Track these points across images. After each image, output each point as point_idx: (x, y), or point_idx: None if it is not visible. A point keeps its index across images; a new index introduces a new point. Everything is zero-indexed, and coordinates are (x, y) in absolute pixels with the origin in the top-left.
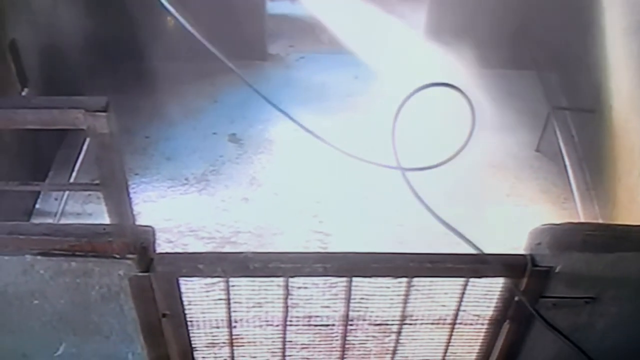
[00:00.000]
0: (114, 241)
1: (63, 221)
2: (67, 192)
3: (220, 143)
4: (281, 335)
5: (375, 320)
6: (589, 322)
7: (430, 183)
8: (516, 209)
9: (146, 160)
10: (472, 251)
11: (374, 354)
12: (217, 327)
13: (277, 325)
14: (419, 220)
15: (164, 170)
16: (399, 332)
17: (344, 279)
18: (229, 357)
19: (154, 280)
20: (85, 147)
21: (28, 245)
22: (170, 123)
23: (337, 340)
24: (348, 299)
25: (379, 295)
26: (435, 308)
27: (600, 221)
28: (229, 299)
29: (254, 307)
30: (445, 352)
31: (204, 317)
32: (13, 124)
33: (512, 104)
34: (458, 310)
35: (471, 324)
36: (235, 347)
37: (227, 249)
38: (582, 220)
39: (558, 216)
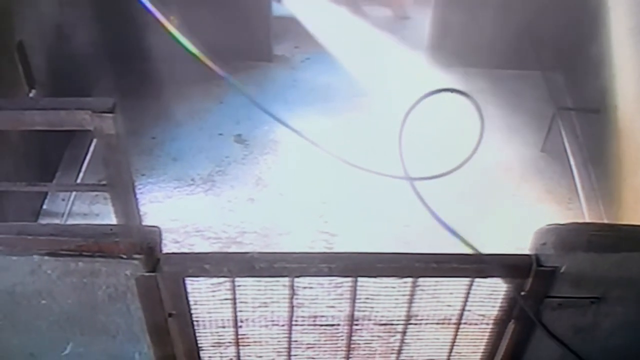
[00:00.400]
0: (121, 241)
1: (70, 222)
2: (74, 193)
3: (226, 144)
4: (287, 335)
5: (381, 320)
6: (595, 322)
7: (436, 184)
8: (521, 209)
9: (152, 161)
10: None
11: (379, 354)
12: (223, 327)
13: (283, 325)
14: (424, 220)
15: (170, 171)
16: (404, 332)
17: (350, 279)
18: (234, 356)
19: (161, 280)
20: (92, 148)
21: (36, 246)
22: (177, 124)
23: (342, 340)
24: (353, 299)
25: (385, 295)
26: (440, 308)
27: (606, 221)
28: (234, 299)
29: (259, 307)
30: (450, 352)
31: (210, 316)
32: (21, 125)
33: (517, 105)
34: (463, 310)
35: (476, 324)
36: (241, 347)
37: (233, 249)
38: (588, 220)
39: (563, 216)
